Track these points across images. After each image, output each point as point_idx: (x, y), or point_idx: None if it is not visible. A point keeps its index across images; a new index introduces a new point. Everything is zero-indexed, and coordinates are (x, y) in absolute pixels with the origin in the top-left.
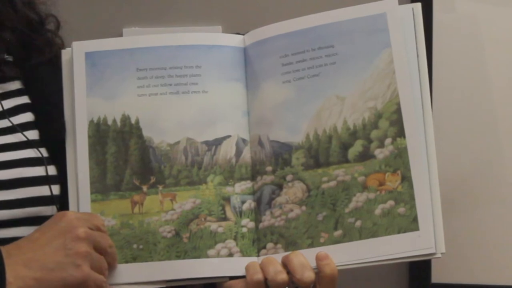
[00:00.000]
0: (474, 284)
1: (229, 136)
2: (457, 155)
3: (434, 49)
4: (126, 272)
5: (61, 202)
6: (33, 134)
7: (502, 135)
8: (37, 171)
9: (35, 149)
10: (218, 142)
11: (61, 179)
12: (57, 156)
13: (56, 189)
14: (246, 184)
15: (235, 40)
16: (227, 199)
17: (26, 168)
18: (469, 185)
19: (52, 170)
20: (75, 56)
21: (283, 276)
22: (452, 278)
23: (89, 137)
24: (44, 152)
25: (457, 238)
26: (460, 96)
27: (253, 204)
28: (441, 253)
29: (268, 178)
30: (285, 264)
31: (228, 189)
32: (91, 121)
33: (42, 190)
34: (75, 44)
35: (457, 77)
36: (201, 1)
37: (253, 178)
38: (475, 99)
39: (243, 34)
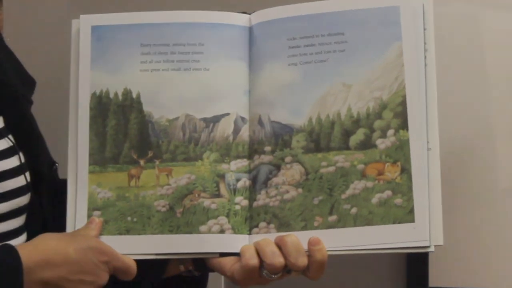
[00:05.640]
0: None
1: (228, 114)
2: (455, 156)
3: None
4: (119, 243)
5: (34, 189)
6: None
7: (500, 138)
8: (12, 162)
9: (6, 139)
10: (216, 119)
11: (29, 166)
12: (23, 143)
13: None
14: (242, 162)
15: (240, 19)
16: (221, 176)
17: (4, 160)
18: (468, 188)
19: (22, 158)
20: (82, 29)
21: (280, 260)
22: (449, 282)
23: (91, 109)
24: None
25: (455, 242)
26: (459, 93)
27: (248, 183)
28: (437, 245)
29: (266, 158)
30: (279, 246)
31: (224, 166)
32: (94, 94)
33: (19, 181)
34: (82, 17)
35: (455, 76)
36: (198, 3)
37: (249, 156)
38: (474, 97)
39: (250, 14)
